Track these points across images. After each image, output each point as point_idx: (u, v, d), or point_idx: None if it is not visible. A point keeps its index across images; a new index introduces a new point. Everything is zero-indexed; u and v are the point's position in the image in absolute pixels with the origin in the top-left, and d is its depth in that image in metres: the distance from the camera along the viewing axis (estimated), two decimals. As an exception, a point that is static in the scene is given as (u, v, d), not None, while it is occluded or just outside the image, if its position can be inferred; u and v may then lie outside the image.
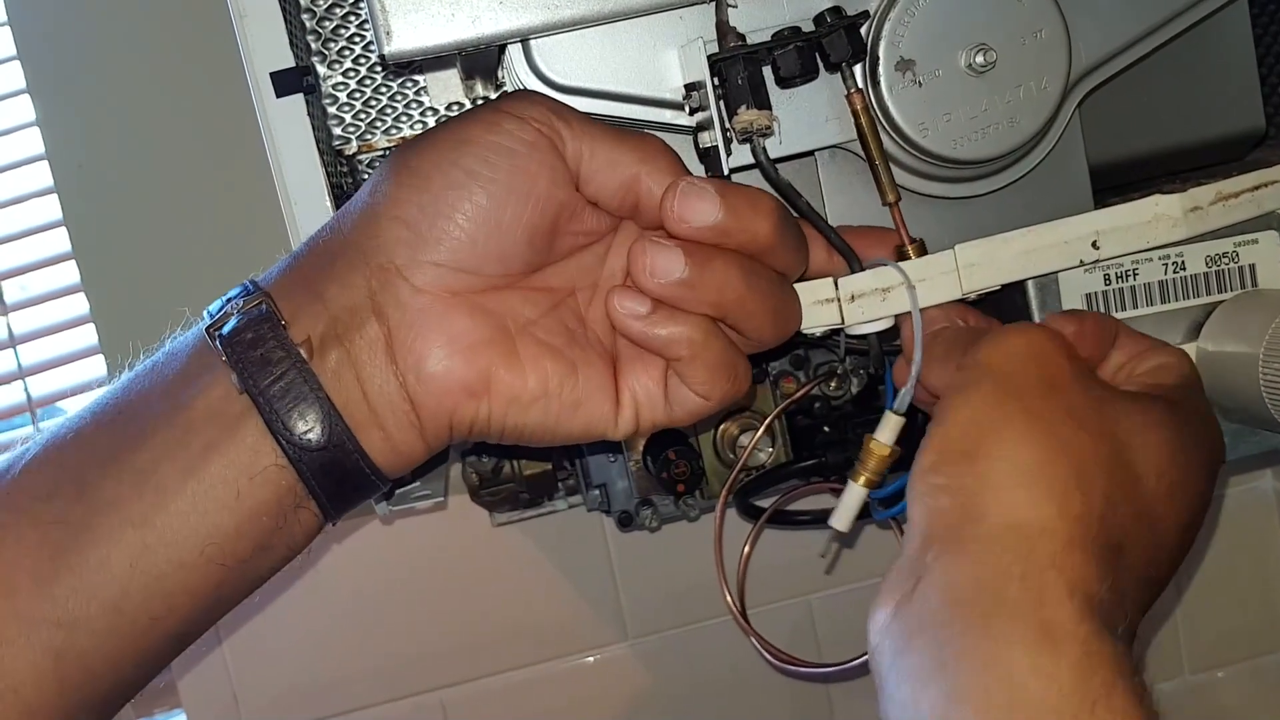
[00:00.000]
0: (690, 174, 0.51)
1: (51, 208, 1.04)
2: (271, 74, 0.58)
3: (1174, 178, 0.70)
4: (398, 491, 0.71)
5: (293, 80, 0.58)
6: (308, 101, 0.59)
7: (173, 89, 0.98)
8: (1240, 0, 0.67)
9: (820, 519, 0.79)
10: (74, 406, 1.09)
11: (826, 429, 0.79)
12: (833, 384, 0.79)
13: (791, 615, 1.04)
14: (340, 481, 0.48)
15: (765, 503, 0.78)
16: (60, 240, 1.05)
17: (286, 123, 0.60)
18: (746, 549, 0.76)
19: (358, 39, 0.81)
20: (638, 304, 0.50)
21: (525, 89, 0.54)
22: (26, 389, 1.10)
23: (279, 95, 0.58)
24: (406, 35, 0.52)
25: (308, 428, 0.47)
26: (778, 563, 1.01)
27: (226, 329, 0.47)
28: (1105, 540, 0.44)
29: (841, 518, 0.58)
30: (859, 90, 0.57)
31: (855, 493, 0.57)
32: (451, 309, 0.49)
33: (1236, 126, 0.70)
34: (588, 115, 0.51)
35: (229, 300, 0.49)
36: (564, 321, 0.52)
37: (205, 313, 0.50)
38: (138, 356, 0.52)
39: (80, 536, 0.46)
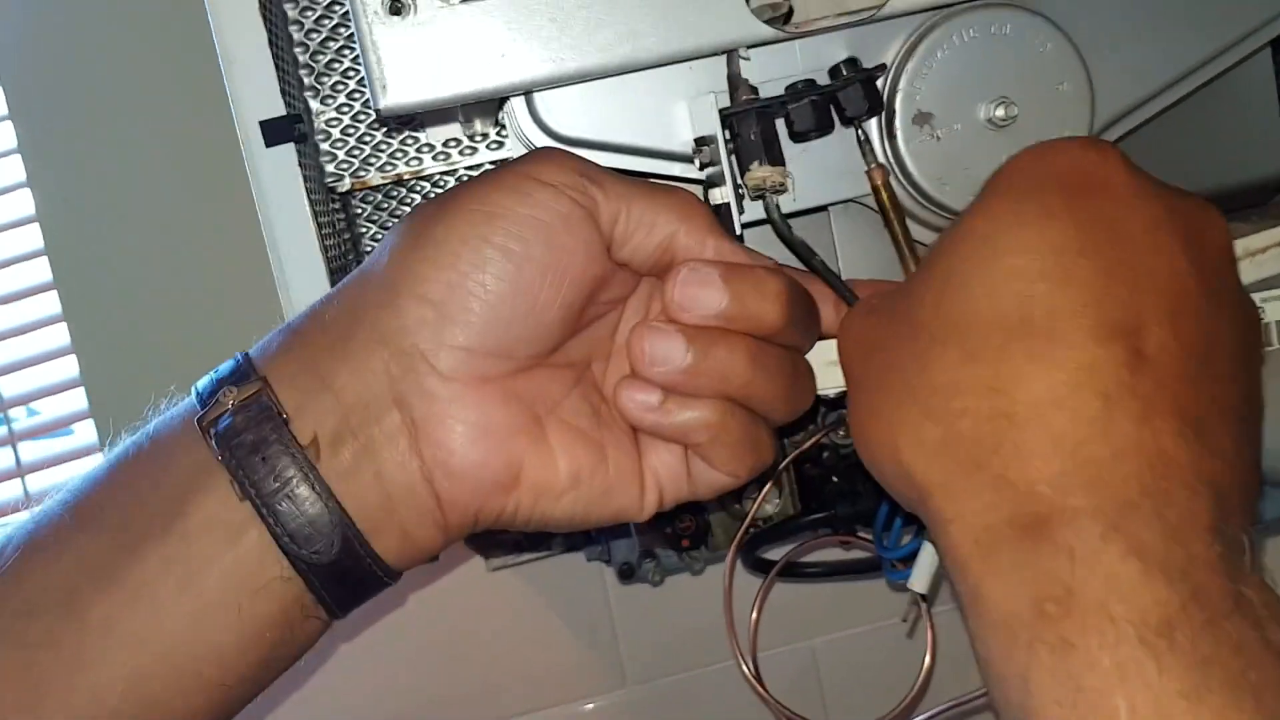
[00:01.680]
0: (722, 232, 0.48)
1: (42, 269, 1.02)
2: (261, 123, 0.56)
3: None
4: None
5: (283, 129, 0.56)
6: (299, 151, 0.57)
7: (161, 137, 0.96)
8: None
9: (832, 571, 0.77)
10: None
11: (835, 479, 0.76)
12: (841, 432, 0.77)
13: (795, 662, 1.02)
14: (353, 588, 0.45)
15: (772, 554, 0.76)
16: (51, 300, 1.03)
17: (276, 171, 0.57)
18: (754, 615, 0.73)
19: (351, 74, 0.79)
20: (647, 395, 0.46)
21: (550, 147, 0.50)
22: (16, 453, 1.08)
23: (269, 144, 0.56)
24: (403, 89, 0.49)
25: (319, 543, 0.42)
26: (780, 607, 0.98)
27: (222, 425, 0.43)
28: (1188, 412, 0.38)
29: (920, 579, 0.54)
30: (880, 165, 0.55)
31: (931, 551, 0.54)
32: (481, 396, 0.44)
33: (1260, 173, 0.68)
34: (617, 173, 0.48)
35: (220, 381, 0.45)
36: (588, 398, 0.48)
37: (194, 391, 0.46)
38: (125, 425, 0.48)
39: (70, 662, 0.42)
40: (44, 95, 0.96)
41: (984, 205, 0.42)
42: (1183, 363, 0.38)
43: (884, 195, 0.55)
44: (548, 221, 0.44)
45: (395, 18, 0.49)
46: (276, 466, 0.42)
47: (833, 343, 0.55)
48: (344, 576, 0.44)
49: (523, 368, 0.46)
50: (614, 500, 0.48)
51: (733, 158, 0.53)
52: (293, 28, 0.76)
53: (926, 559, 0.54)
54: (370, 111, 0.79)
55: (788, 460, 0.73)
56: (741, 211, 0.54)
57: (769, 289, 0.47)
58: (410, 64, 0.49)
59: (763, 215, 0.54)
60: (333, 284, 0.65)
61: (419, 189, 0.85)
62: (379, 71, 0.49)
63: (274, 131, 0.56)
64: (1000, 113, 0.54)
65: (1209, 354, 0.39)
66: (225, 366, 0.46)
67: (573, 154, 0.47)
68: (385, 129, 0.72)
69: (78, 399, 1.06)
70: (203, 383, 0.46)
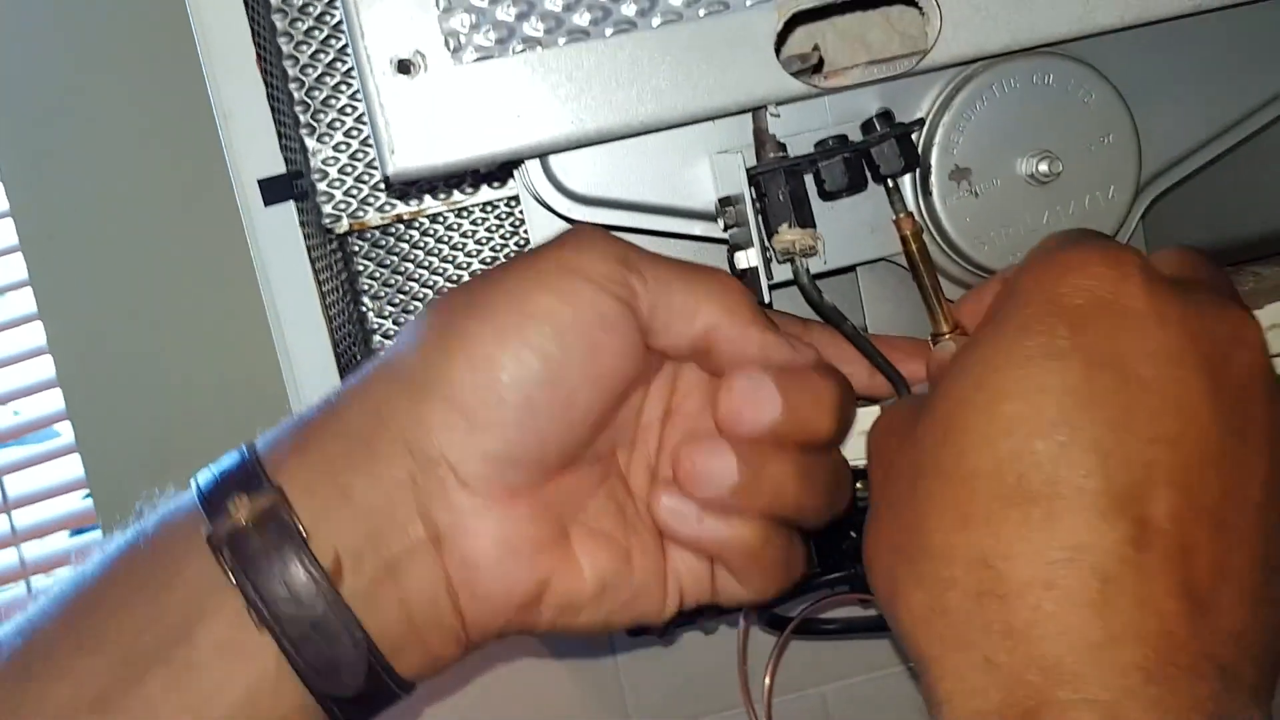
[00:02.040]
0: (764, 321, 0.45)
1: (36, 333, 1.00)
2: (260, 181, 0.52)
3: (1236, 269, 0.65)
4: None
5: (282, 188, 0.52)
6: (299, 209, 0.54)
7: (137, 141, 0.93)
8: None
9: (849, 629, 0.74)
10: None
11: (854, 534, 0.73)
12: (859, 485, 0.74)
13: (805, 709, 0.99)
14: (368, 708, 0.41)
15: (787, 610, 0.73)
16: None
17: (275, 230, 0.54)
18: (768, 679, 0.70)
19: (349, 110, 0.76)
20: (687, 506, 0.43)
21: (588, 229, 0.45)
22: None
23: (268, 204, 0.53)
24: (412, 152, 0.46)
25: (344, 675, 0.39)
26: (791, 654, 0.95)
27: (236, 543, 0.39)
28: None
29: None
30: (908, 214, 0.51)
31: None
32: (509, 510, 0.41)
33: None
34: (656, 256, 0.44)
35: (226, 483, 0.40)
36: (614, 496, 0.45)
37: (194, 488, 0.41)
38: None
39: None
40: (23, 110, 0.93)
41: (991, 333, 0.39)
42: (1195, 530, 0.35)
43: (913, 246, 0.52)
44: (589, 323, 0.41)
45: (404, 76, 0.45)
46: (296, 592, 0.38)
47: (868, 411, 0.52)
48: (364, 699, 0.40)
49: (552, 474, 0.42)
50: (637, 606, 0.44)
51: (760, 219, 0.50)
52: (287, 63, 0.73)
53: None
54: (369, 149, 0.76)
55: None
56: (770, 277, 0.50)
57: (825, 398, 0.43)
58: (420, 126, 0.46)
59: (790, 277, 0.51)
60: (331, 332, 0.62)
61: (418, 226, 0.82)
62: (387, 134, 0.46)
63: (273, 190, 0.52)
64: (1043, 167, 0.51)
65: (1227, 512, 0.36)
66: (229, 462, 0.42)
67: (612, 237, 0.44)
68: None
69: (54, 399, 1.04)
70: (205, 479, 0.41)
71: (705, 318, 0.43)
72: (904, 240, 0.51)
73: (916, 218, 0.52)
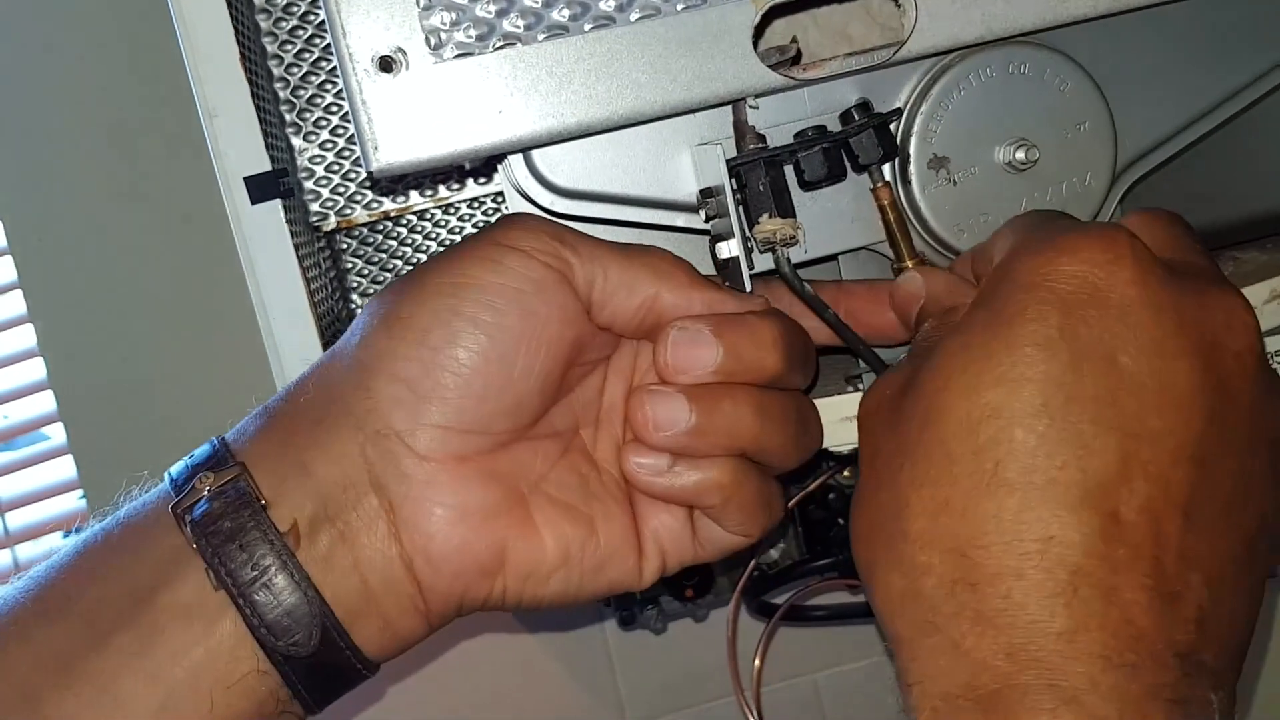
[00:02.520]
0: (705, 283, 0.46)
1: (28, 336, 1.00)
2: (246, 179, 0.53)
3: (1215, 254, 0.66)
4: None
5: (268, 185, 0.53)
6: (285, 207, 0.54)
7: (125, 142, 0.93)
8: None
9: (838, 615, 0.75)
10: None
11: (841, 521, 0.74)
12: (846, 472, 0.75)
13: (797, 697, 1.00)
14: (331, 681, 0.42)
15: (777, 598, 0.74)
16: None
17: (262, 227, 0.55)
18: (757, 662, 0.70)
19: (334, 109, 0.76)
20: (656, 459, 0.44)
21: (520, 213, 0.48)
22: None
23: (254, 202, 0.53)
24: (396, 148, 0.47)
25: (297, 634, 0.40)
26: (782, 642, 0.96)
27: (198, 512, 0.40)
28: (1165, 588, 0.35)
29: None
30: (886, 183, 0.52)
31: None
32: (460, 477, 0.42)
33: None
34: (591, 236, 0.46)
35: (195, 467, 0.42)
36: (576, 469, 0.46)
37: (166, 477, 0.43)
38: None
39: None
40: (7, 113, 0.93)
41: (981, 315, 0.39)
42: (1165, 523, 0.36)
43: (890, 216, 0.52)
44: (519, 288, 0.43)
45: (386, 75, 0.46)
46: (255, 554, 0.40)
47: (849, 398, 0.53)
48: (322, 669, 0.42)
49: (503, 443, 0.44)
50: (608, 573, 0.46)
51: (741, 209, 0.51)
52: (272, 62, 0.73)
53: None
54: (354, 147, 0.76)
55: (793, 503, 0.71)
56: (751, 266, 0.51)
57: (763, 336, 0.45)
58: (403, 122, 0.46)
59: (772, 266, 0.52)
60: (320, 331, 0.62)
61: (405, 223, 0.82)
62: (370, 131, 0.46)
63: (259, 187, 0.53)
64: (1020, 155, 0.52)
65: (1198, 503, 0.36)
66: (201, 452, 0.44)
67: (544, 218, 0.46)
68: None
69: (44, 402, 1.04)
70: (177, 468, 0.43)
71: (645, 288, 0.45)
72: (882, 209, 0.52)
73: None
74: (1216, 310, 0.38)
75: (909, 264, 0.52)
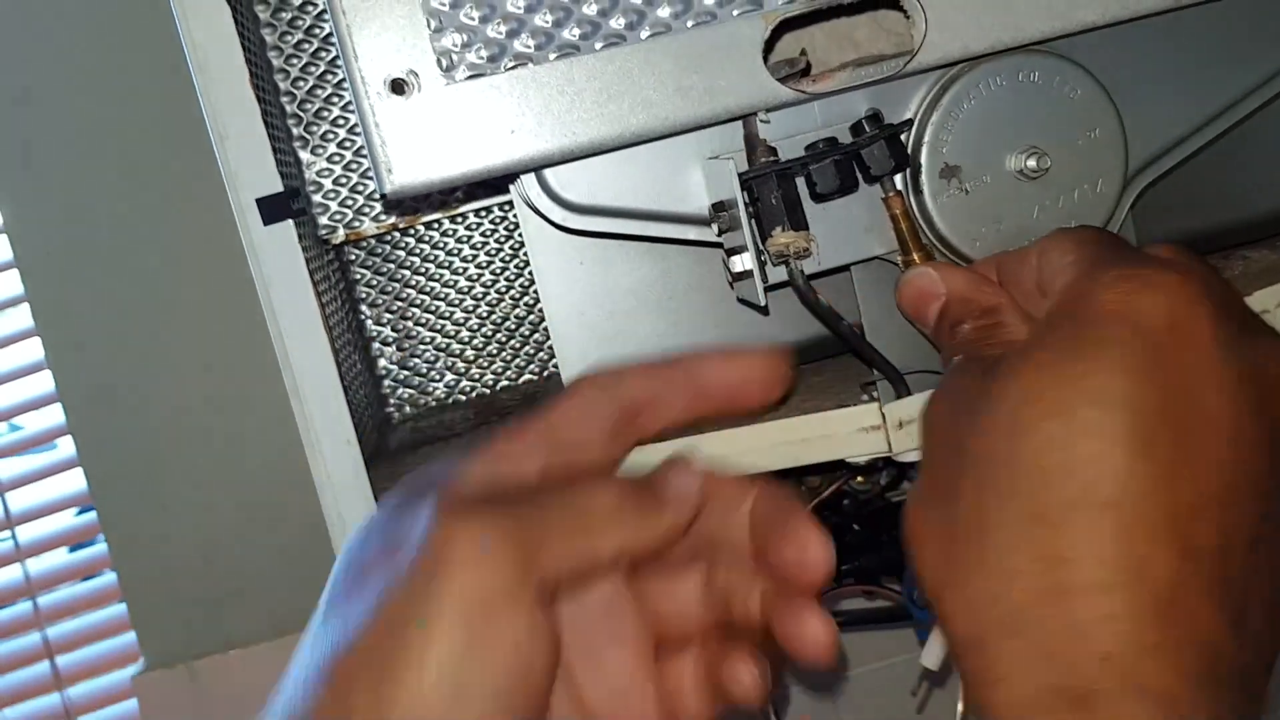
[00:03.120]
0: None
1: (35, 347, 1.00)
2: (258, 200, 0.53)
3: (1225, 255, 0.66)
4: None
5: (280, 206, 0.53)
6: (298, 222, 0.54)
7: (130, 153, 0.94)
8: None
9: (857, 620, 0.75)
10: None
11: (857, 527, 0.74)
12: (859, 478, 0.75)
13: (812, 699, 1.00)
14: None
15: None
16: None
17: (275, 247, 0.55)
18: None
19: (341, 122, 0.76)
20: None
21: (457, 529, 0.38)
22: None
23: (267, 223, 0.53)
24: (409, 170, 0.47)
25: None
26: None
27: None
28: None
29: (932, 656, 0.52)
30: (897, 193, 0.52)
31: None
32: None
33: (1286, 201, 0.65)
34: (554, 507, 0.40)
35: None
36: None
37: None
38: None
39: None
40: (19, 130, 0.93)
41: (1065, 333, 0.40)
42: (1233, 553, 0.37)
43: (903, 225, 0.52)
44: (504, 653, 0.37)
45: (398, 97, 0.46)
46: None
47: (868, 408, 0.53)
48: None
49: None
50: None
51: (753, 223, 0.51)
52: (278, 76, 0.73)
53: (939, 637, 0.52)
54: (362, 159, 0.76)
55: (809, 508, 0.71)
56: (766, 280, 0.51)
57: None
58: (416, 144, 0.46)
59: (785, 278, 0.52)
60: (331, 342, 0.62)
61: (413, 233, 0.82)
62: (383, 154, 0.46)
63: (272, 208, 0.53)
64: (1031, 163, 0.52)
65: (1266, 536, 0.38)
66: None
67: (496, 514, 0.38)
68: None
69: (53, 415, 1.05)
70: None
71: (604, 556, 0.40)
72: (894, 219, 0.52)
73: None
74: (1273, 355, 0.40)
75: (916, 257, 0.52)
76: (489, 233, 0.84)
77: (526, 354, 0.85)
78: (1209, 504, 0.37)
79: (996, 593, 0.38)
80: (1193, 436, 0.37)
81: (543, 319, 0.81)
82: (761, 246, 0.51)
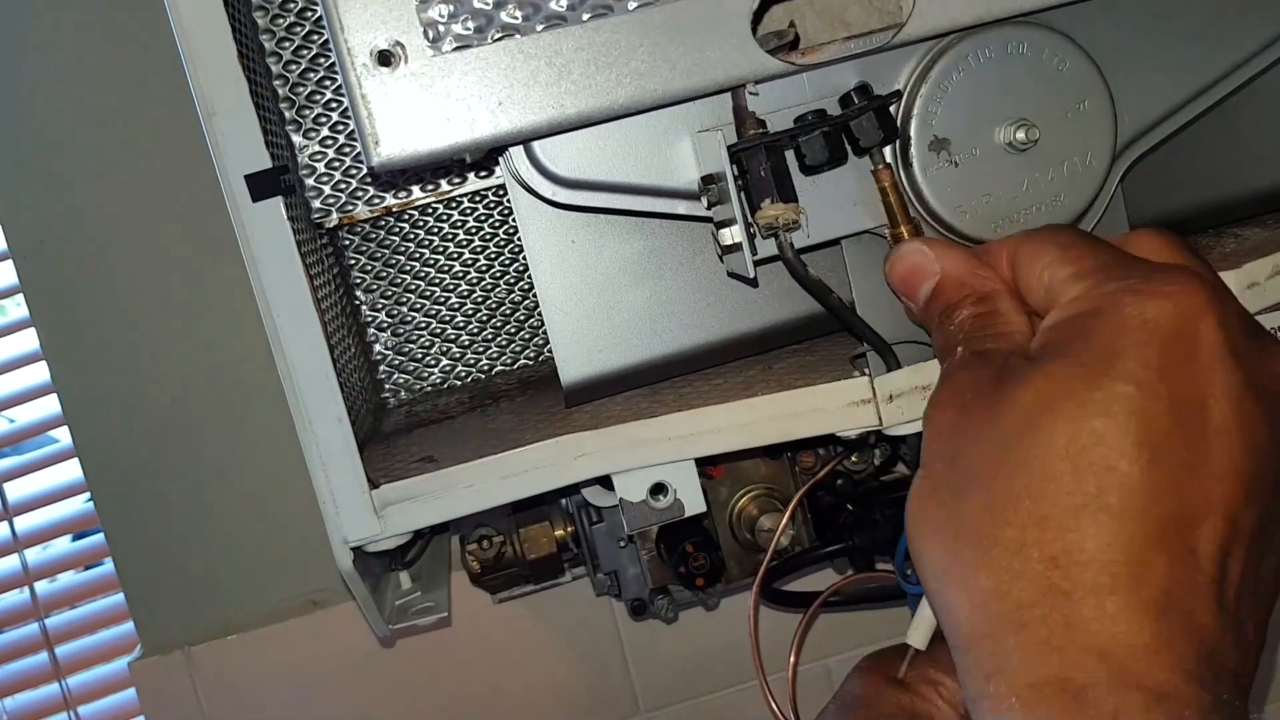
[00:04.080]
0: None
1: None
2: (246, 177, 0.53)
3: (1217, 232, 0.66)
4: (397, 604, 0.67)
5: (269, 182, 0.53)
6: (287, 205, 0.54)
7: (129, 141, 0.94)
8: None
9: (852, 600, 0.74)
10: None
11: (851, 507, 0.74)
12: (853, 458, 0.75)
13: (810, 682, 1.00)
14: None
15: (787, 585, 0.74)
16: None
17: (264, 225, 0.54)
18: (793, 657, 0.70)
19: (334, 105, 0.76)
20: None
21: None
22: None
23: (255, 199, 0.53)
24: (396, 142, 0.47)
25: None
26: (792, 627, 0.97)
27: None
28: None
29: (918, 635, 0.53)
30: (886, 165, 0.52)
31: (929, 609, 0.52)
32: None
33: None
34: None
35: None
36: None
37: None
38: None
39: None
40: (5, 117, 0.93)
41: (1079, 348, 0.41)
42: (1234, 559, 0.39)
43: (891, 198, 0.52)
44: None
45: (385, 69, 0.46)
46: None
47: (858, 382, 0.53)
48: None
49: None
50: None
51: (742, 195, 0.51)
52: (270, 60, 0.73)
53: (925, 615, 0.52)
54: (355, 143, 0.76)
55: (803, 490, 0.71)
56: (755, 252, 0.51)
57: None
58: (403, 116, 0.46)
59: (775, 252, 0.52)
60: (324, 324, 0.62)
61: (407, 218, 0.82)
62: (370, 126, 0.46)
63: (260, 185, 0.53)
64: (1020, 136, 0.52)
65: (1264, 540, 0.40)
66: None
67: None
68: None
69: (49, 405, 1.05)
70: None
71: None
72: (883, 191, 0.52)
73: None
74: (1275, 360, 0.41)
75: (904, 229, 0.52)
76: (483, 218, 0.84)
77: (522, 338, 0.85)
78: (1214, 510, 0.39)
79: (1002, 589, 0.39)
80: (1200, 445, 0.39)
81: (537, 304, 0.81)
82: (751, 219, 0.51)
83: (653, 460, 0.57)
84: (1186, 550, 0.38)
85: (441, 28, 0.46)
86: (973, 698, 0.40)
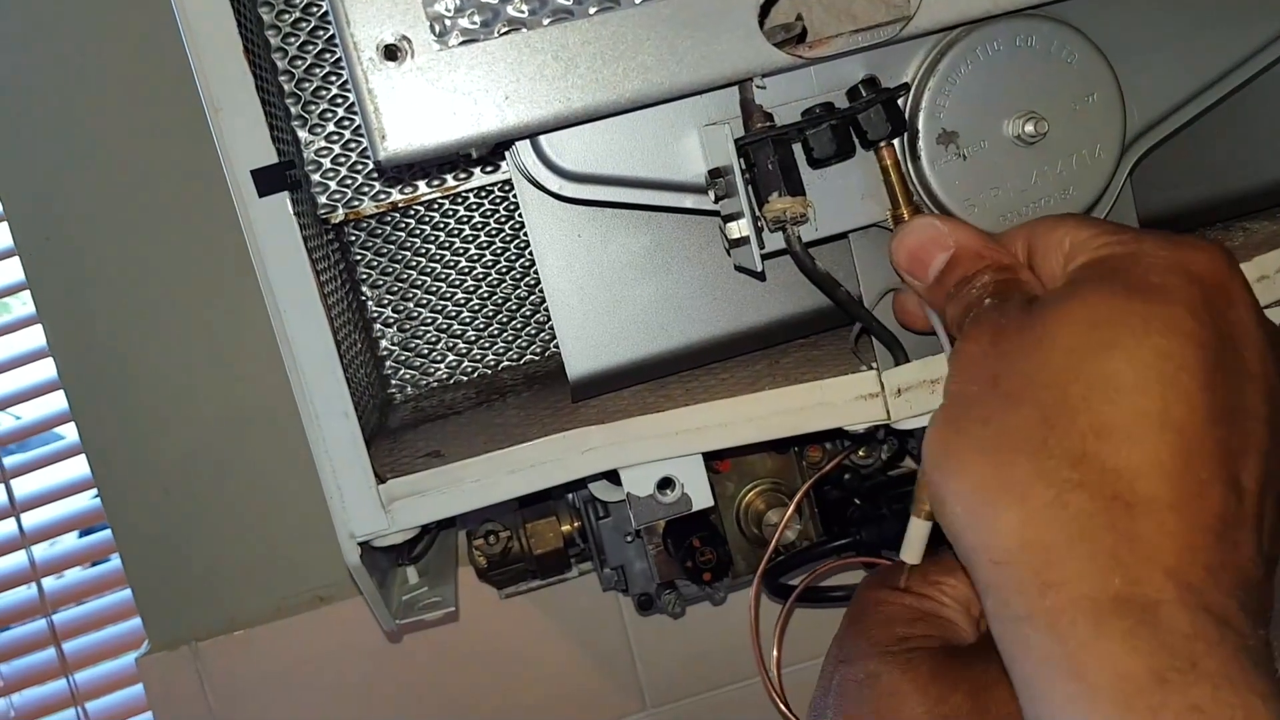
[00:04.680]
0: None
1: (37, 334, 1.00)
2: (253, 172, 0.53)
3: (1226, 226, 0.65)
4: (404, 599, 0.67)
5: (276, 177, 0.53)
6: (293, 200, 0.54)
7: (137, 137, 0.94)
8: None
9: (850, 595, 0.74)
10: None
11: (858, 501, 0.74)
12: (860, 451, 0.75)
13: (815, 676, 0.99)
14: None
15: (794, 580, 0.74)
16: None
17: (270, 220, 0.54)
18: (776, 652, 0.70)
19: (339, 101, 0.76)
20: None
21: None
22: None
23: (262, 194, 0.53)
24: (403, 137, 0.47)
25: None
26: (798, 623, 0.96)
27: None
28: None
29: (912, 551, 0.52)
30: (890, 145, 0.52)
31: (919, 526, 0.51)
32: None
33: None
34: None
35: None
36: None
37: None
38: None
39: None
40: (12, 113, 0.93)
41: (1128, 274, 0.41)
42: (1268, 497, 0.40)
43: (893, 176, 0.52)
44: None
45: (391, 63, 0.46)
46: None
47: (866, 375, 0.53)
48: None
49: None
50: None
51: (750, 189, 0.50)
52: (276, 55, 0.73)
53: (916, 533, 0.52)
54: (361, 138, 0.76)
55: (809, 484, 0.71)
56: (762, 246, 0.51)
57: None
58: (409, 111, 0.46)
59: (783, 246, 0.51)
60: (330, 320, 0.62)
61: (413, 213, 0.82)
62: (377, 121, 0.46)
63: (267, 180, 0.53)
64: (1029, 128, 0.51)
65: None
66: None
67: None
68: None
69: (55, 401, 1.05)
70: None
71: None
72: (884, 170, 0.52)
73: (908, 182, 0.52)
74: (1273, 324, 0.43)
75: (905, 211, 0.52)
76: (489, 213, 0.84)
77: (528, 334, 0.85)
78: (1252, 449, 0.39)
79: (1061, 499, 0.38)
80: (1241, 384, 0.39)
81: (543, 299, 0.81)
82: (758, 212, 0.51)
83: (660, 455, 0.57)
84: (1235, 480, 0.38)
85: (448, 22, 0.46)
86: (1018, 616, 0.39)
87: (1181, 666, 0.35)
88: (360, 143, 0.76)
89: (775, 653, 0.68)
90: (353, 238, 0.82)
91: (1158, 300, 0.40)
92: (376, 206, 0.78)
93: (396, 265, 0.83)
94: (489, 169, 0.78)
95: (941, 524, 0.43)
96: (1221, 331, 0.39)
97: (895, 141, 0.52)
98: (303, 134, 0.76)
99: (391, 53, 0.46)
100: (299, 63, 0.75)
